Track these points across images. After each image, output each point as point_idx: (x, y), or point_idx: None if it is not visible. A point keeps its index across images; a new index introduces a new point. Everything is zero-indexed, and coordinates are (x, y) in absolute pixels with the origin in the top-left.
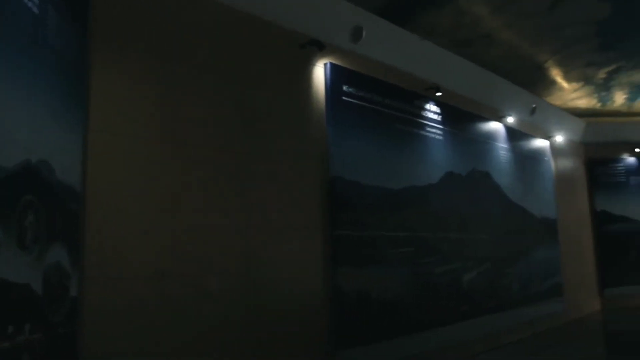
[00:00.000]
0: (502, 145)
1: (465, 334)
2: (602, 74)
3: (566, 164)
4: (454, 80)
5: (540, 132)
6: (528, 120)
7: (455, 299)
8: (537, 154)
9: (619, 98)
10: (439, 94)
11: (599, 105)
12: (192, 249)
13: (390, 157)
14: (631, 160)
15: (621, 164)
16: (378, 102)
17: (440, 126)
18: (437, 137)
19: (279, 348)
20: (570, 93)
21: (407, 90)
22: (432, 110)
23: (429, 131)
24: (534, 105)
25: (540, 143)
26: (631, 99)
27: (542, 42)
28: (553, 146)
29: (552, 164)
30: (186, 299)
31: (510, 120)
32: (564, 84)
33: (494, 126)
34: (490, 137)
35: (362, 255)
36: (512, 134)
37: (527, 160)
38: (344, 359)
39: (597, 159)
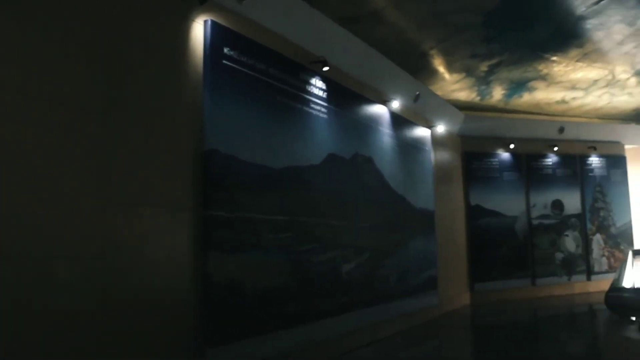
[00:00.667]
0: (386, 131)
1: (343, 328)
2: (484, 67)
3: (445, 155)
4: (342, 56)
5: (422, 120)
6: (411, 107)
7: (334, 290)
8: (418, 143)
9: (497, 93)
10: (326, 68)
11: (477, 99)
12: (34, 226)
13: (271, 133)
14: (505, 156)
15: (496, 159)
16: (262, 70)
17: (325, 104)
18: (322, 115)
19: (138, 345)
20: (452, 84)
21: (293, 61)
22: (317, 86)
23: (313, 108)
24: (417, 92)
25: (421, 132)
26: (508, 95)
27: (428, 28)
28: (433, 136)
29: (432, 154)
30: (26, 287)
31: (394, 105)
32: (446, 75)
33: (379, 110)
34: (374, 120)
35: (237, 239)
36: (396, 119)
37: (409, 149)
38: (215, 357)
39: (473, 153)
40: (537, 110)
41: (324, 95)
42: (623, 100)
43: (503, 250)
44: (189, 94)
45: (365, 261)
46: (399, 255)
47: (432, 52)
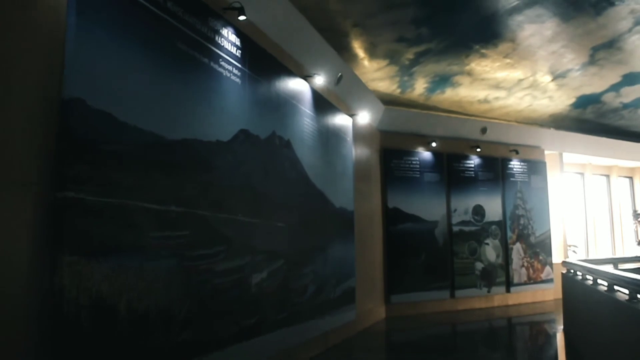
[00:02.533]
0: (307, 111)
1: (250, 357)
2: (409, 54)
3: (365, 149)
4: (260, 11)
5: (344, 106)
6: (333, 89)
7: (241, 309)
8: (340, 132)
9: (420, 87)
10: (242, 17)
11: (398, 91)
12: None
13: (166, 89)
14: (426, 155)
15: (416, 158)
16: (158, 2)
17: (239, 65)
18: (233, 78)
19: None
20: (373, 72)
21: (201, 1)
22: (230, 40)
23: (223, 67)
24: (340, 74)
25: (343, 120)
26: (431, 89)
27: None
28: (355, 126)
29: (353, 146)
30: None
31: (317, 82)
32: (367, 61)
33: (299, 85)
34: (294, 96)
35: (107, 236)
36: (318, 100)
37: (331, 137)
38: None
39: (392, 150)
40: (458, 109)
41: (238, 53)
42: (543, 104)
43: (421, 258)
44: (48, 15)
45: (279, 270)
46: (317, 263)
47: (356, 30)
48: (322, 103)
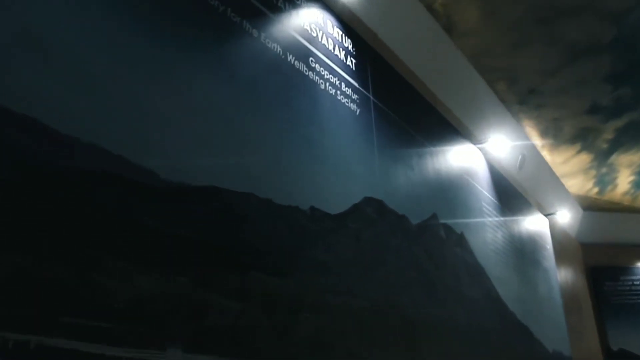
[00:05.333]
0: (486, 194)
1: None
2: (607, 133)
3: (567, 266)
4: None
5: (532, 200)
6: (515, 175)
7: None
8: (536, 236)
9: (624, 181)
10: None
11: (595, 190)
12: None
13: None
14: None
15: (637, 277)
16: None
17: (359, 86)
18: (348, 104)
19: None
20: (558, 166)
21: None
22: (340, 43)
23: (328, 80)
24: (522, 155)
25: (536, 219)
26: (639, 183)
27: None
28: (553, 231)
29: (554, 259)
30: None
31: (492, 154)
32: (548, 149)
33: (470, 152)
34: (465, 170)
35: None
36: (499, 181)
37: (526, 241)
38: None
39: (603, 268)
40: None
41: (353, 67)
42: None
43: None
44: None
45: None
46: None
47: (532, 99)
48: (505, 187)
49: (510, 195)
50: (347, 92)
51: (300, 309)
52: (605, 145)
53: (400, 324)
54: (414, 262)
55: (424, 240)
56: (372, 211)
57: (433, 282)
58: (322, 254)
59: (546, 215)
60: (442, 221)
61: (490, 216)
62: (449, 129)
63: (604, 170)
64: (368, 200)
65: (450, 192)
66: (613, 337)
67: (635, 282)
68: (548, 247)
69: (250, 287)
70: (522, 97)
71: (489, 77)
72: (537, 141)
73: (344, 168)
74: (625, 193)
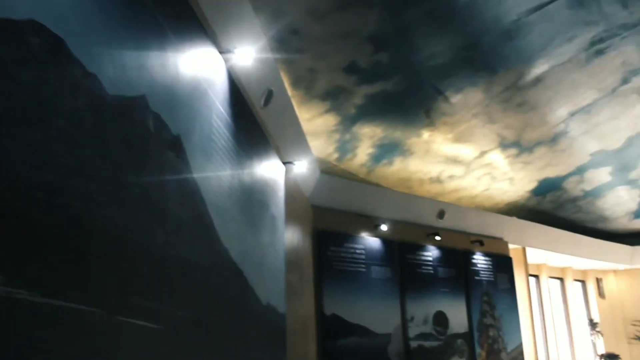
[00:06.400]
0: (220, 109)
1: None
2: (358, 97)
3: (296, 225)
4: None
5: (274, 144)
6: (259, 109)
7: None
8: (270, 182)
9: (363, 152)
10: None
11: (335, 156)
12: None
13: None
14: (374, 242)
15: (361, 246)
16: None
17: None
18: None
19: None
20: (306, 122)
21: None
22: None
23: None
24: (270, 88)
25: (274, 166)
26: (377, 158)
27: None
28: (287, 183)
29: (283, 213)
30: None
31: (236, 61)
32: (299, 101)
33: (214, 63)
34: (203, 75)
35: None
36: (237, 104)
37: (255, 179)
38: None
39: (329, 233)
40: (405, 190)
41: None
42: (501, 189)
43: None
44: None
45: None
46: None
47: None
48: (245, 113)
49: (249, 125)
50: None
51: None
52: (353, 111)
53: (67, 227)
54: (100, 144)
55: (121, 122)
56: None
57: (124, 181)
58: None
59: (284, 163)
60: (154, 110)
61: (220, 135)
62: (195, 23)
63: (347, 136)
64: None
65: (178, 88)
66: (328, 301)
67: (357, 251)
68: (280, 195)
69: None
70: (283, 36)
71: (257, 2)
72: (289, 91)
73: None
74: (363, 165)
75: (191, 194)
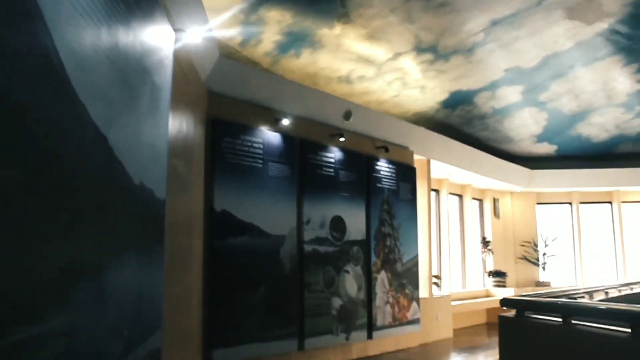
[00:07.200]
0: None
1: None
2: None
3: (187, 108)
4: None
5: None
6: None
7: None
8: (153, 49)
9: (269, 39)
10: None
11: (239, 40)
12: None
13: None
14: (273, 137)
15: (259, 139)
16: None
17: None
18: None
19: None
20: None
21: None
22: None
23: None
24: None
25: (157, 30)
26: (283, 47)
27: None
28: (177, 53)
29: (171, 88)
30: None
31: None
32: None
33: None
34: None
35: None
36: None
37: (135, 47)
38: None
39: (226, 123)
40: (311, 86)
41: None
42: (411, 97)
43: (261, 291)
44: None
45: None
46: (77, 305)
47: None
48: None
49: None
50: None
51: None
52: None
53: None
54: None
55: None
56: None
57: None
58: None
59: (175, 30)
60: None
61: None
62: None
63: (253, 18)
64: None
65: None
66: (219, 196)
67: (255, 144)
68: (167, 64)
69: None
70: None
71: None
72: None
73: None
74: (267, 54)
75: (32, 17)
